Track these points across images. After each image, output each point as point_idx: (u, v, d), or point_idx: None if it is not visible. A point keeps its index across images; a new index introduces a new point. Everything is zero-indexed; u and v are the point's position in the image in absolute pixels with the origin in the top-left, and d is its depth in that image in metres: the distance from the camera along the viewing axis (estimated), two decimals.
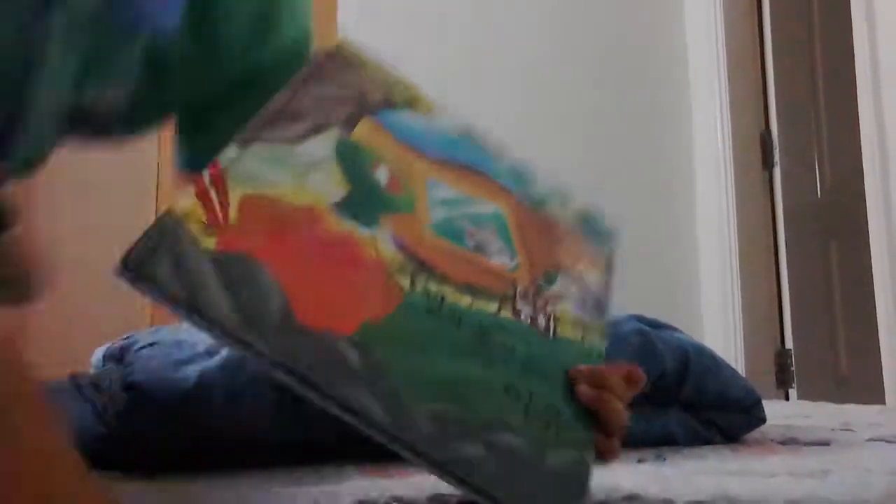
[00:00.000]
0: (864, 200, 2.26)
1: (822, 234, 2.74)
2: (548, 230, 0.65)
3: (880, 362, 2.21)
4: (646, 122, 2.79)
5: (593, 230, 0.70)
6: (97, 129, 0.65)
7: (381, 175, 0.55)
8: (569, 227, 0.67)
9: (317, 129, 0.54)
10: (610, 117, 2.73)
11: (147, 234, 0.40)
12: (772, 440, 1.00)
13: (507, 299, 0.55)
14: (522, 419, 0.49)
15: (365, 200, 0.52)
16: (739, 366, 2.57)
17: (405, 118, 0.61)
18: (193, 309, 0.39)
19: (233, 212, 0.45)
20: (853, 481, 0.69)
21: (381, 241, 0.51)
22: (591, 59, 2.70)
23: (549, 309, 0.58)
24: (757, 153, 2.77)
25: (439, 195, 0.57)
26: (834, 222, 2.73)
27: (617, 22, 2.80)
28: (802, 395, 2.58)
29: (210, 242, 0.42)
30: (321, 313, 0.44)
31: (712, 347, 1.08)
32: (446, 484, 0.44)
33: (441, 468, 0.44)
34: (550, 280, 0.60)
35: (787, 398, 2.62)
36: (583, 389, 0.54)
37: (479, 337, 0.51)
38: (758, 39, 2.82)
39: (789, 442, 0.98)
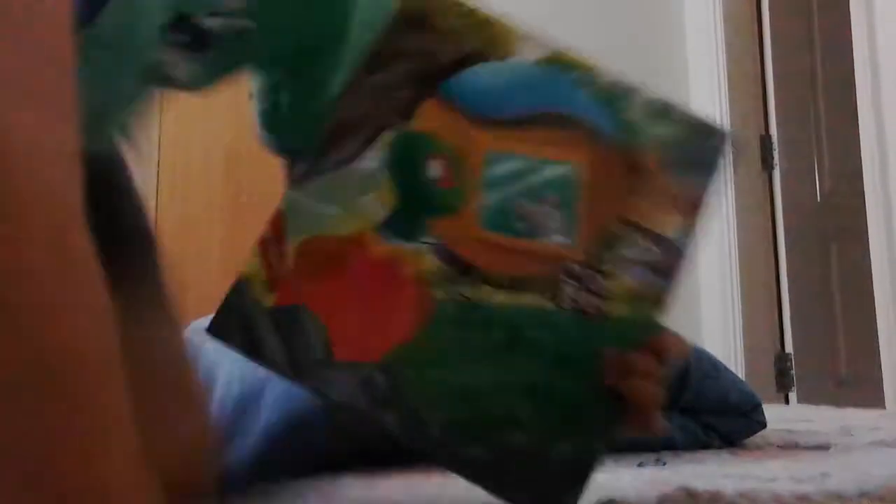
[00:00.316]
0: (864, 203, 2.26)
1: (822, 237, 2.74)
2: (632, 172, 0.58)
3: (880, 365, 2.21)
4: None
5: (692, 156, 0.60)
6: (195, 45, 0.66)
7: (435, 169, 0.56)
8: (660, 159, 0.59)
9: (370, 140, 0.55)
10: None
11: (224, 301, 0.52)
12: (771, 444, 0.99)
13: (552, 284, 0.55)
14: (535, 414, 0.52)
15: (412, 210, 0.55)
16: (739, 369, 2.56)
17: (477, 76, 0.58)
18: (260, 360, 0.52)
19: (290, 261, 0.52)
20: (852, 486, 0.68)
21: (424, 252, 0.54)
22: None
23: (598, 286, 0.56)
24: (756, 155, 2.77)
25: (498, 171, 0.56)
26: (834, 224, 2.73)
27: (616, 23, 2.80)
28: (802, 399, 2.58)
29: (270, 299, 0.52)
30: (356, 346, 0.52)
31: (711, 350, 1.08)
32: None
33: (450, 469, 0.51)
34: (611, 245, 0.57)
35: (786, 402, 2.61)
36: (610, 380, 0.53)
37: (509, 337, 0.53)
38: (757, 41, 2.82)
39: (789, 446, 0.98)
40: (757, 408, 1.00)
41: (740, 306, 2.64)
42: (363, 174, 0.54)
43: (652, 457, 0.90)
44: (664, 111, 0.59)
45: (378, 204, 0.54)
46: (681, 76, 2.88)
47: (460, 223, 0.55)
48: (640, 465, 0.86)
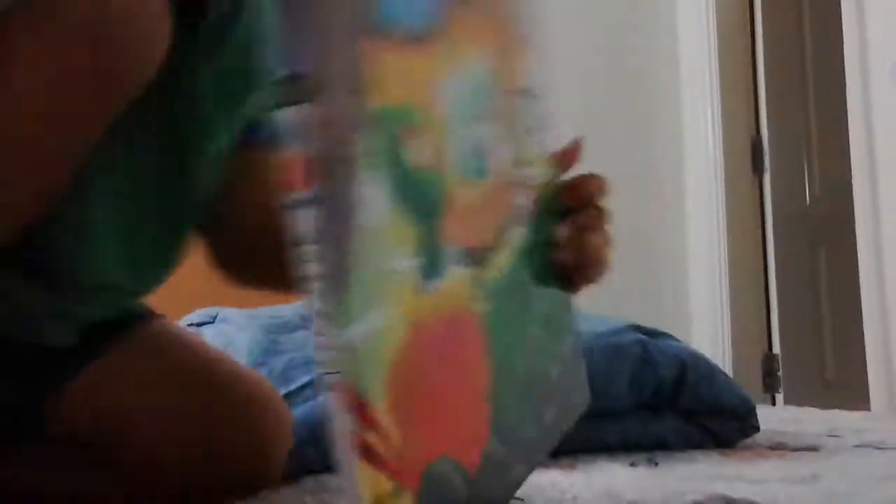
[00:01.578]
0: (853, 207, 2.28)
1: (811, 240, 2.76)
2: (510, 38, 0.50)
3: (866, 367, 2.23)
4: (636, 126, 2.80)
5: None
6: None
7: (415, 151, 0.37)
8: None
9: (349, 170, 0.34)
10: (600, 122, 2.74)
11: None
12: (761, 445, 1.00)
13: (517, 209, 0.48)
14: (556, 340, 0.53)
15: (428, 226, 0.38)
16: (727, 370, 2.58)
17: None
18: None
19: (393, 433, 0.34)
20: (844, 488, 0.69)
21: (457, 277, 0.39)
22: (582, 62, 2.71)
23: (530, 175, 0.49)
24: (747, 158, 2.78)
25: (457, 104, 0.41)
26: (822, 228, 2.75)
27: (608, 26, 2.81)
28: (789, 400, 2.60)
29: (408, 500, 0.34)
30: (474, 443, 0.40)
31: (700, 351, 1.09)
32: None
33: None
34: (512, 120, 0.49)
35: (773, 403, 2.63)
36: (565, 256, 0.52)
37: (522, 291, 0.48)
38: (749, 45, 2.84)
39: (778, 447, 0.99)
40: (751, 411, 1.01)
41: (728, 307, 2.65)
42: (378, 230, 0.34)
43: (644, 456, 0.91)
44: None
45: (402, 249, 0.35)
46: (672, 79, 2.89)
47: (457, 204, 0.40)
48: (632, 464, 0.86)
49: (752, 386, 2.55)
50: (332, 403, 0.32)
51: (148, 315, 0.76)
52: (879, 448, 0.98)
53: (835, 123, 2.46)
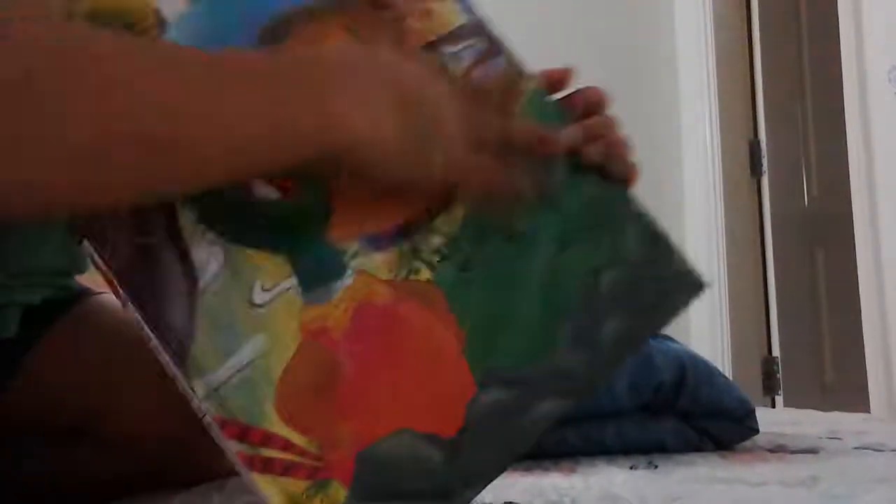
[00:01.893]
0: (851, 209, 2.28)
1: (809, 242, 2.77)
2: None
3: (865, 370, 2.23)
4: (634, 128, 2.79)
5: None
6: None
7: (265, 192, 0.43)
8: None
9: (174, 241, 0.42)
10: None
11: None
12: (760, 448, 1.00)
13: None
14: (596, 247, 0.48)
15: (303, 246, 0.43)
16: (726, 372, 2.58)
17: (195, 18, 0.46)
18: None
19: (296, 438, 0.39)
20: (843, 491, 0.69)
21: (367, 267, 0.43)
22: (579, 65, 2.71)
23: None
24: (745, 161, 2.79)
25: None
26: (821, 231, 2.75)
27: (606, 29, 2.81)
28: (788, 403, 2.60)
29: (337, 491, 0.38)
30: (450, 404, 0.42)
31: (699, 353, 1.09)
32: None
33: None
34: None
35: (773, 405, 2.63)
36: (592, 155, 0.52)
37: (515, 245, 0.46)
38: (747, 48, 2.84)
39: (778, 450, 0.99)
40: (750, 414, 1.01)
41: (728, 310, 2.66)
42: (222, 278, 0.41)
43: (644, 459, 0.91)
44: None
45: (276, 284, 0.41)
46: (670, 84, 2.89)
47: (351, 201, 0.44)
48: (631, 467, 0.86)
49: (751, 388, 2.55)
50: (217, 437, 0.38)
51: (87, 292, 0.76)
52: (879, 450, 0.98)
53: (833, 126, 2.47)
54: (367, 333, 0.41)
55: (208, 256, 0.41)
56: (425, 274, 0.43)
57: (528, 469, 0.83)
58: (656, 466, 0.87)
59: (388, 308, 0.42)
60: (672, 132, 2.86)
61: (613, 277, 0.48)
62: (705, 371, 1.01)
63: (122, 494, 0.67)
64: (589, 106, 0.54)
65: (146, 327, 0.41)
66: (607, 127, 0.54)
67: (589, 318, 0.45)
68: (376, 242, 0.43)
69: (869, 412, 2.15)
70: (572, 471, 0.84)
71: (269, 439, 0.38)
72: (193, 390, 0.39)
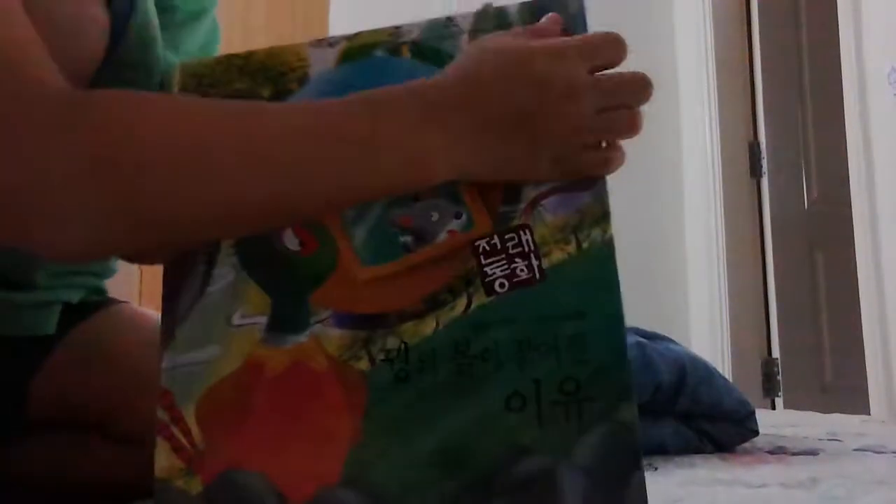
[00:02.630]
0: (851, 210, 2.29)
1: (809, 244, 2.77)
2: None
3: (865, 371, 2.23)
4: None
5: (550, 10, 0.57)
6: None
7: (291, 241, 0.49)
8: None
9: (212, 254, 0.50)
10: None
11: None
12: (761, 449, 1.00)
13: (474, 276, 0.47)
14: (536, 427, 0.43)
15: (289, 296, 0.48)
16: (726, 374, 2.58)
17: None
18: None
19: (195, 432, 0.46)
20: (843, 492, 0.69)
21: (322, 337, 0.47)
22: None
23: (524, 241, 0.47)
24: (745, 162, 2.79)
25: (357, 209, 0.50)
26: (820, 232, 2.75)
27: (606, 31, 2.82)
28: (788, 404, 2.60)
29: (196, 484, 0.45)
30: (309, 478, 0.44)
31: (699, 354, 1.09)
32: None
33: None
34: (515, 198, 0.48)
35: (773, 407, 2.63)
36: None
37: (457, 364, 0.45)
38: (747, 50, 2.85)
39: (778, 451, 0.99)
40: (750, 415, 1.01)
41: (728, 312, 2.66)
42: (223, 294, 0.48)
43: (644, 461, 0.91)
44: (497, 16, 0.54)
45: (252, 316, 0.48)
46: (670, 86, 2.89)
47: (344, 279, 0.48)
48: None
49: (751, 390, 2.55)
50: (156, 400, 0.47)
51: (110, 299, 0.81)
52: (879, 452, 0.98)
53: (832, 127, 2.47)
54: (288, 388, 0.46)
55: (224, 273, 0.49)
56: (363, 365, 0.46)
57: None
58: (656, 468, 0.86)
59: (317, 377, 0.46)
60: (672, 134, 2.86)
61: (535, 468, 0.43)
62: (705, 372, 1.01)
63: (136, 494, 0.68)
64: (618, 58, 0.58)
65: (162, 305, 0.49)
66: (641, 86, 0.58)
67: (476, 499, 0.43)
68: (342, 320, 0.47)
69: (869, 414, 2.15)
70: None
71: (179, 420, 0.46)
72: (163, 362, 0.48)
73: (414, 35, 0.54)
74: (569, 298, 0.45)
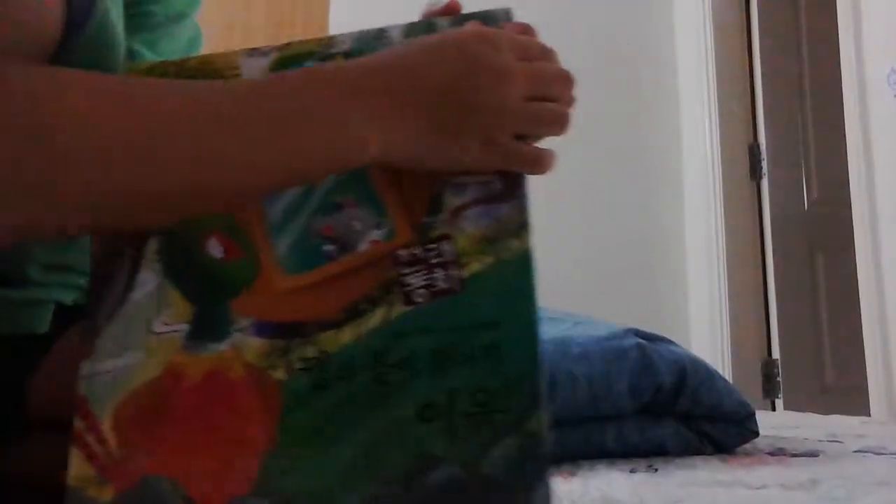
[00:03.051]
0: (851, 212, 2.29)
1: (809, 245, 2.77)
2: None
3: (865, 373, 2.23)
4: (635, 132, 2.81)
5: None
6: None
7: (215, 248, 0.49)
8: None
9: (136, 260, 0.50)
10: (599, 129, 2.74)
11: None
12: (761, 451, 1.00)
13: (394, 285, 0.47)
14: (447, 438, 0.43)
15: (210, 304, 0.48)
16: (726, 375, 2.58)
17: None
18: None
19: (111, 439, 0.46)
20: (843, 494, 0.69)
21: (241, 345, 0.47)
22: (581, 68, 2.71)
23: (445, 251, 0.47)
24: (745, 164, 2.79)
25: (279, 208, 0.50)
26: (821, 233, 2.75)
27: (607, 33, 2.82)
28: (788, 405, 2.60)
29: (107, 492, 0.45)
30: (221, 486, 0.44)
31: (699, 356, 1.09)
32: None
33: None
34: (437, 209, 0.49)
35: (773, 408, 2.63)
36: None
37: (375, 373, 0.45)
38: (746, 51, 2.85)
39: (778, 453, 0.99)
40: (750, 416, 1.01)
41: (728, 313, 2.66)
42: (146, 300, 0.48)
43: (643, 463, 0.91)
44: (427, 27, 0.55)
45: (174, 323, 0.48)
46: (670, 87, 2.89)
47: (266, 287, 0.48)
48: (631, 471, 0.86)
49: (751, 391, 2.55)
50: (74, 407, 0.47)
51: None
52: (879, 453, 0.98)
53: (832, 129, 2.47)
54: (204, 396, 0.46)
55: (147, 280, 0.49)
56: (280, 374, 0.46)
57: None
58: (656, 470, 0.86)
59: (233, 386, 0.46)
60: (672, 135, 2.86)
61: (445, 478, 0.43)
62: (705, 373, 1.01)
63: None
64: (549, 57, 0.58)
65: (86, 312, 0.49)
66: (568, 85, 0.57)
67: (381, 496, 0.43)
68: (261, 329, 0.47)
69: (869, 415, 2.15)
70: (572, 475, 0.84)
71: (94, 429, 0.46)
72: (82, 369, 0.48)
73: (346, 46, 0.55)
74: (486, 308, 0.46)
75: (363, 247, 0.48)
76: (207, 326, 0.47)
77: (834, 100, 2.39)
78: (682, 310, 2.75)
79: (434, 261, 0.47)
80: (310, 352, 0.46)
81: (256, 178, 0.47)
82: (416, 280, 0.47)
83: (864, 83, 2.25)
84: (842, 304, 2.50)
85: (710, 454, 0.97)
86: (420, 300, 0.46)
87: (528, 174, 0.50)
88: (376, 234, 0.48)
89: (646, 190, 2.76)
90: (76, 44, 0.64)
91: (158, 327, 0.48)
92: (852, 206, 2.28)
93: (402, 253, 0.48)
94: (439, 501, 0.42)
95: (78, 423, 0.47)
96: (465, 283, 0.47)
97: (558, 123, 0.52)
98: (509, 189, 0.49)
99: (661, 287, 2.74)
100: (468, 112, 0.48)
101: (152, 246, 0.49)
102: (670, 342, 1.07)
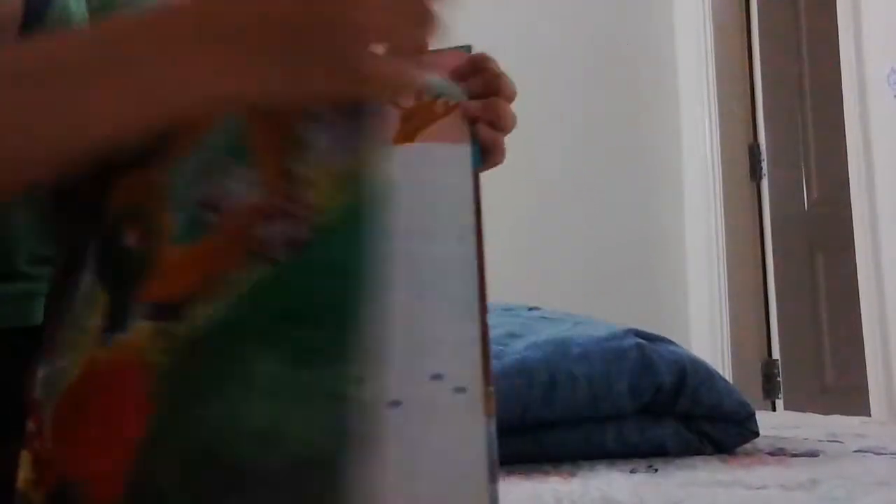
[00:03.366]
0: (851, 212, 2.29)
1: (809, 245, 2.77)
2: None
3: (865, 373, 2.23)
4: (635, 132, 2.81)
5: None
6: None
7: (128, 237, 0.48)
8: None
9: (82, 262, 0.49)
10: (599, 130, 2.74)
11: None
12: (761, 451, 1.00)
13: (258, 247, 0.44)
14: (293, 409, 0.40)
15: (122, 293, 0.47)
16: (726, 375, 2.58)
17: None
18: None
19: (48, 441, 0.46)
20: (843, 494, 0.69)
21: (137, 331, 0.45)
22: (581, 69, 2.71)
23: (302, 199, 0.44)
24: (745, 164, 2.79)
25: (179, 182, 0.48)
26: (821, 233, 2.75)
27: (607, 33, 2.82)
28: (788, 406, 2.60)
29: (38, 496, 0.45)
30: (108, 481, 0.43)
31: (699, 356, 1.09)
32: None
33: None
34: (295, 150, 0.46)
35: (773, 408, 2.63)
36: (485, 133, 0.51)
37: (231, 348, 0.43)
38: (746, 52, 2.85)
39: (778, 453, 0.99)
40: (750, 416, 1.01)
41: (728, 313, 2.66)
42: (80, 300, 0.48)
43: (643, 463, 0.91)
44: None
45: (99, 319, 0.47)
46: (670, 88, 2.89)
47: (161, 266, 0.46)
48: (631, 471, 0.86)
49: (751, 391, 2.55)
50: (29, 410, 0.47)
51: None
52: (879, 453, 0.98)
53: (832, 129, 2.47)
54: (98, 388, 0.45)
55: (85, 278, 0.49)
56: (157, 356, 0.44)
57: (526, 473, 0.83)
58: (656, 470, 0.87)
59: (123, 375, 0.45)
60: (672, 136, 2.86)
61: (289, 453, 0.40)
62: (706, 374, 1.01)
63: None
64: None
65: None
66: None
67: (232, 487, 0.41)
68: (151, 311, 0.45)
69: (869, 415, 2.15)
70: (572, 475, 0.84)
71: (41, 431, 0.47)
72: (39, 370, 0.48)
73: None
74: (334, 258, 0.43)
75: (240, 209, 0.45)
76: (119, 317, 0.46)
77: (834, 100, 2.39)
78: (682, 310, 2.75)
79: (294, 212, 0.44)
80: (182, 330, 0.44)
81: (75, 133, 0.43)
82: (276, 232, 0.44)
83: (864, 83, 2.25)
84: (842, 304, 2.50)
85: (710, 454, 0.97)
86: (279, 257, 0.43)
87: (388, 99, 0.46)
88: (249, 193, 0.45)
89: (646, 190, 2.76)
90: (36, 31, 0.64)
91: (87, 324, 0.47)
92: (852, 206, 2.28)
93: (269, 209, 0.44)
94: (283, 479, 0.40)
95: (30, 426, 0.47)
96: (317, 231, 0.43)
97: (419, 20, 0.44)
98: (361, 119, 0.45)
99: (661, 287, 2.74)
100: (303, 33, 0.42)
101: (93, 248, 0.49)
102: (670, 342, 1.07)
